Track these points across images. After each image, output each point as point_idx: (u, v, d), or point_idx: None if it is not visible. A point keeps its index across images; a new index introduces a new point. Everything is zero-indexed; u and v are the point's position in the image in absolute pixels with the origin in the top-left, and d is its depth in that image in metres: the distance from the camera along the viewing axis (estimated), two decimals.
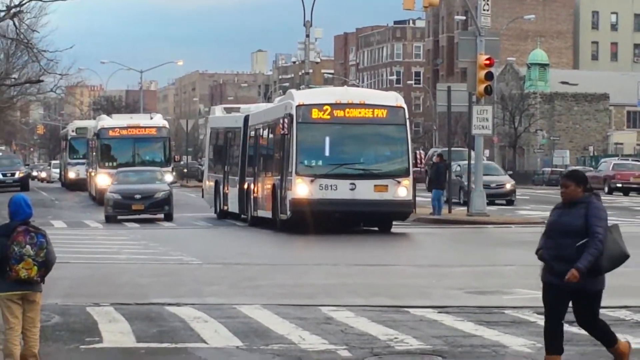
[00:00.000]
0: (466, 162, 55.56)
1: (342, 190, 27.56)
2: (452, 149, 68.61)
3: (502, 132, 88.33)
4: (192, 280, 22.85)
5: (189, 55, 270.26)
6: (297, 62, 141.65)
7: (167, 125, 61.16)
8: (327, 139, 28.80)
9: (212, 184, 41.58)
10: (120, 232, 35.98)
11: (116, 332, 15.78)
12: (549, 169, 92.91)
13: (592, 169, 74.37)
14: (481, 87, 38.64)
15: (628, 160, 74.18)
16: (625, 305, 18.45)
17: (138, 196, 39.69)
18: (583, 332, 12.77)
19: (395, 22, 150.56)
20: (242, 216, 37.79)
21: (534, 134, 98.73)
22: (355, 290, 20.39)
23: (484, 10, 42.98)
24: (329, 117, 28.76)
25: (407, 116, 29.59)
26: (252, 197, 33.90)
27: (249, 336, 15.34)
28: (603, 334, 11.55)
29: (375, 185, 27.62)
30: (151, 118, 61.23)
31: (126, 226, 37.84)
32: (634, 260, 26.44)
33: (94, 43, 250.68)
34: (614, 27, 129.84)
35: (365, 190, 27.67)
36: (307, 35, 64.90)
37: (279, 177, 29.37)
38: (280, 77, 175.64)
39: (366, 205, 27.82)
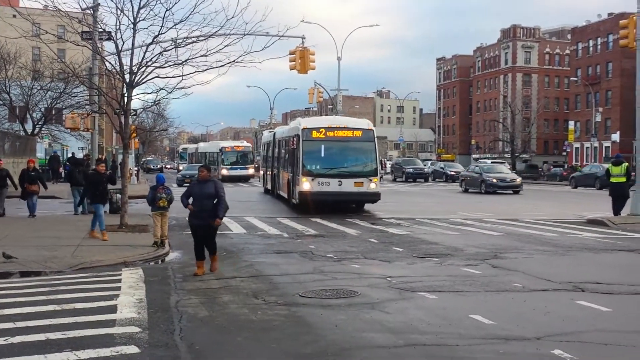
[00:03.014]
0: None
1: (332, 185, 20.96)
2: (404, 158, 65.72)
3: None
4: (231, 208, 23.08)
5: (226, 119, 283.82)
6: (268, 123, 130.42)
7: (250, 145, 54.36)
8: (323, 151, 21.80)
9: (262, 173, 35.20)
10: None
11: None
12: None
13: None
14: None
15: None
16: (396, 217, 19.28)
17: (189, 176, 38.88)
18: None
19: (305, 108, 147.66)
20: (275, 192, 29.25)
21: None
22: (288, 212, 20.85)
23: (339, 102, 47.51)
24: (323, 136, 21.71)
25: (375, 135, 22.10)
26: (277, 182, 27.44)
27: (248, 229, 15.84)
28: (213, 248, 10.15)
29: (354, 182, 20.99)
30: (241, 143, 54.60)
31: None
32: (409, 201, 26.20)
33: (189, 113, 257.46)
34: (389, 110, 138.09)
35: (348, 186, 20.81)
36: (271, 112, 68.70)
37: (292, 174, 22.60)
38: (261, 129, 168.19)
39: (349, 195, 20.77)
